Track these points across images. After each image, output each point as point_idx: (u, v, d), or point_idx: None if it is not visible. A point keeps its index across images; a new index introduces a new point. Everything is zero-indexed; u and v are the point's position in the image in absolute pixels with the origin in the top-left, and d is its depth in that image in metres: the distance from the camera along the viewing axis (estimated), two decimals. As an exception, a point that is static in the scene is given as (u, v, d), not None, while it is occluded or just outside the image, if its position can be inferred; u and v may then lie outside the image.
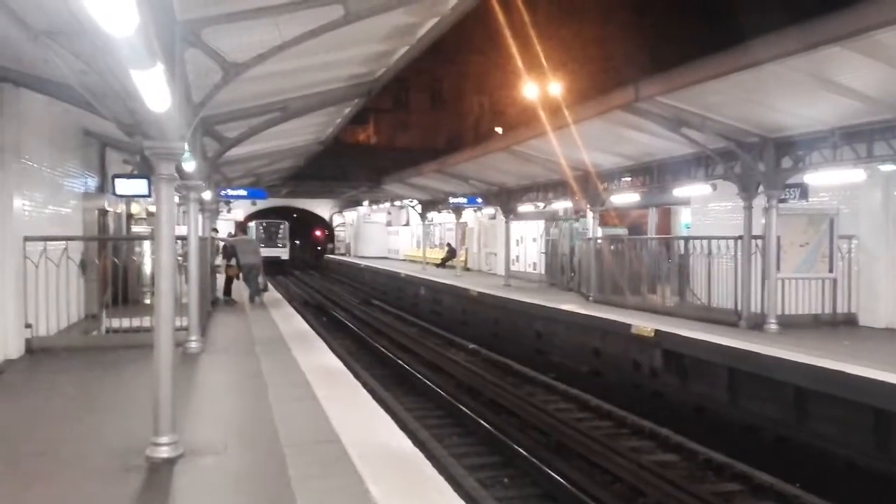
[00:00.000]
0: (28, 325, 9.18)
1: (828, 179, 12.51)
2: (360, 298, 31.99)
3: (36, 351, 9.25)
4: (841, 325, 12.85)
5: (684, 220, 19.91)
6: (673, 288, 15.61)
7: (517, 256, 26.23)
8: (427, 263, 32.49)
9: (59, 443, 5.75)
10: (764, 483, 8.41)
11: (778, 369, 9.89)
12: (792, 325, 12.48)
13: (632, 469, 8.92)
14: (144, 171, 10.73)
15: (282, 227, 52.96)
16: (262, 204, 47.01)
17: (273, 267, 42.56)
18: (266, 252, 41.25)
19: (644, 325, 13.02)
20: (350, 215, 52.62)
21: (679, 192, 16.28)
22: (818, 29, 8.35)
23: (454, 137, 48.86)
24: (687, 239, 15.96)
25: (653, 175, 16.00)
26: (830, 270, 13.04)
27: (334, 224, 56.22)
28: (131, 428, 5.89)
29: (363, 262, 41.33)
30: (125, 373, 8.56)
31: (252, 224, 50.65)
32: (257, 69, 6.69)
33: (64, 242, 9.92)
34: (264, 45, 6.58)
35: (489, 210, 28.68)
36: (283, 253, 51.77)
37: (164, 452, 5.17)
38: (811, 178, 12.65)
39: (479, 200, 26.12)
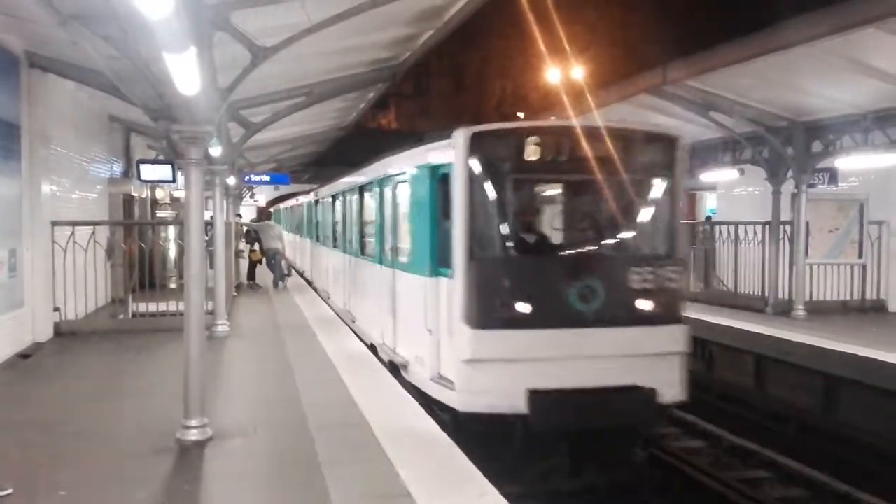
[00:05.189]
0: (56, 309, 9.28)
1: (858, 164, 12.26)
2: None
3: (64, 334, 9.35)
4: (870, 311, 12.65)
5: (709, 205, 19.67)
6: (698, 274, 15.44)
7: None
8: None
9: (90, 424, 5.81)
10: (792, 470, 8.33)
11: (806, 356, 9.76)
12: (820, 311, 12.30)
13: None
14: (169, 156, 10.77)
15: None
16: (283, 189, 35.59)
17: None
18: None
19: (669, 311, 12.86)
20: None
21: (705, 177, 16.07)
22: (851, 10, 8.18)
23: (476, 122, 48.40)
24: (713, 224, 15.77)
25: (678, 160, 15.77)
26: (860, 256, 12.82)
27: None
28: (160, 410, 5.93)
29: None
30: (152, 356, 8.63)
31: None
32: (284, 53, 6.67)
33: (91, 227, 10.02)
34: (292, 28, 6.55)
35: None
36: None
37: (193, 435, 5.18)
38: (841, 163, 12.40)
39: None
